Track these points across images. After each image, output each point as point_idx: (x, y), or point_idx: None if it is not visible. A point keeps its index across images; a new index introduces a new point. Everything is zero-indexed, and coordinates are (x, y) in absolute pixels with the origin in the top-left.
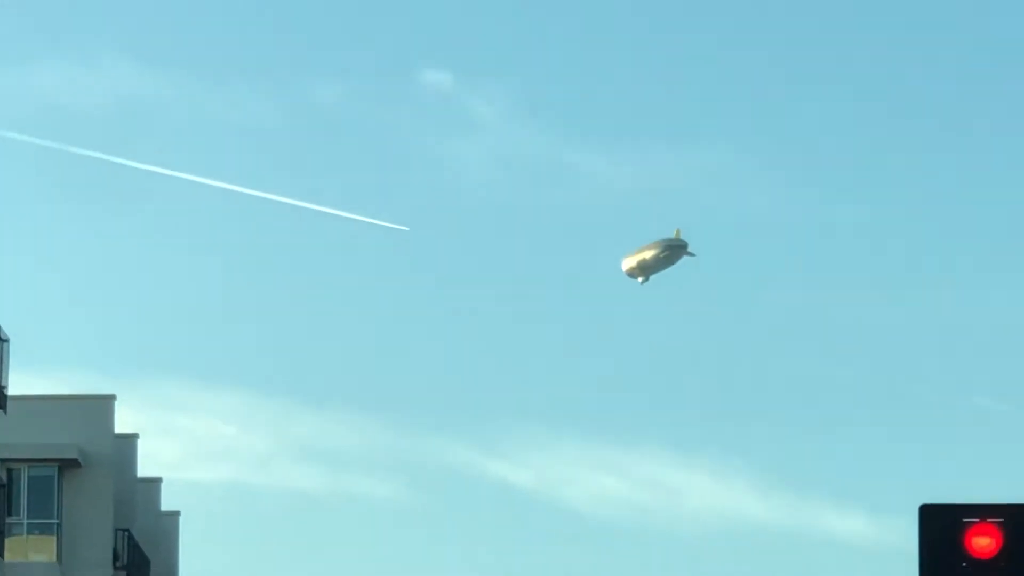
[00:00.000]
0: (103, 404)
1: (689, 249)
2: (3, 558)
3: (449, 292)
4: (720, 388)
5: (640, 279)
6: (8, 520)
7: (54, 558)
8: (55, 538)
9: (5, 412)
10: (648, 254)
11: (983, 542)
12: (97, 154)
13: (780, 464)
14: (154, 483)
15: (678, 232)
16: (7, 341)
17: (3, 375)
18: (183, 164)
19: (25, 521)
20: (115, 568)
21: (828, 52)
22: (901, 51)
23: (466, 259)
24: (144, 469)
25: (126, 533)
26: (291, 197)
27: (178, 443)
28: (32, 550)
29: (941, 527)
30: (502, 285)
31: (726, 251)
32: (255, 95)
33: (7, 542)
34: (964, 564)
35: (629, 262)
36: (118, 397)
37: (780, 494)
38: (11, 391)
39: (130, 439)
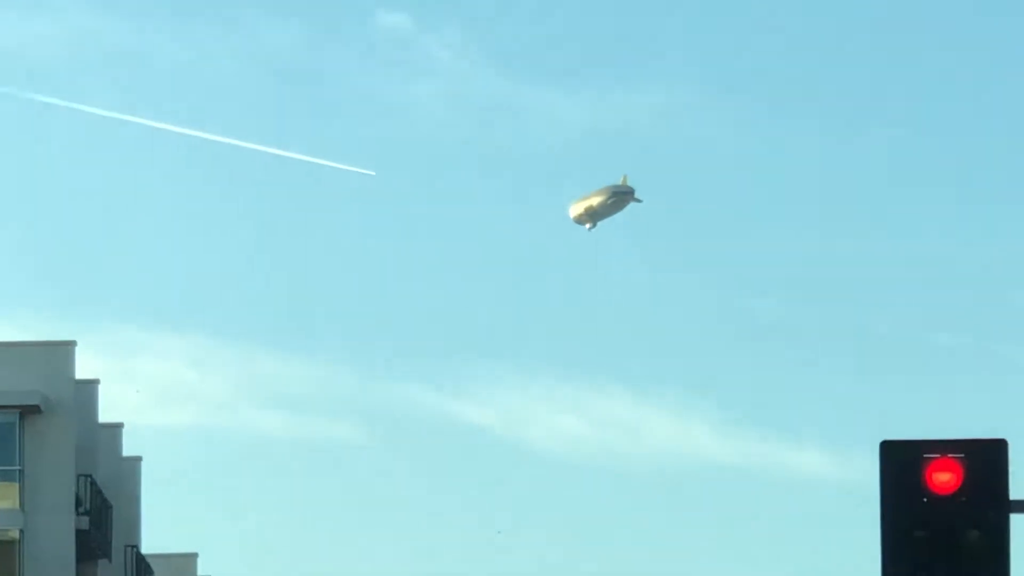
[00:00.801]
0: (64, 350)
1: (636, 195)
2: None
3: (410, 235)
4: (679, 328)
5: (588, 225)
6: None
7: (16, 504)
8: (17, 484)
9: None
10: (595, 201)
11: (944, 477)
12: (52, 99)
13: (740, 402)
14: (115, 428)
15: (624, 179)
16: None
17: None
18: (139, 109)
19: None
20: (77, 513)
21: None
22: None
23: (425, 202)
24: (105, 415)
25: (88, 479)
26: (250, 141)
27: (139, 388)
28: None
29: (902, 463)
30: (462, 228)
31: (683, 190)
32: (210, 39)
33: None
34: (925, 500)
35: (576, 209)
36: (79, 342)
37: (740, 432)
38: None
39: (91, 385)
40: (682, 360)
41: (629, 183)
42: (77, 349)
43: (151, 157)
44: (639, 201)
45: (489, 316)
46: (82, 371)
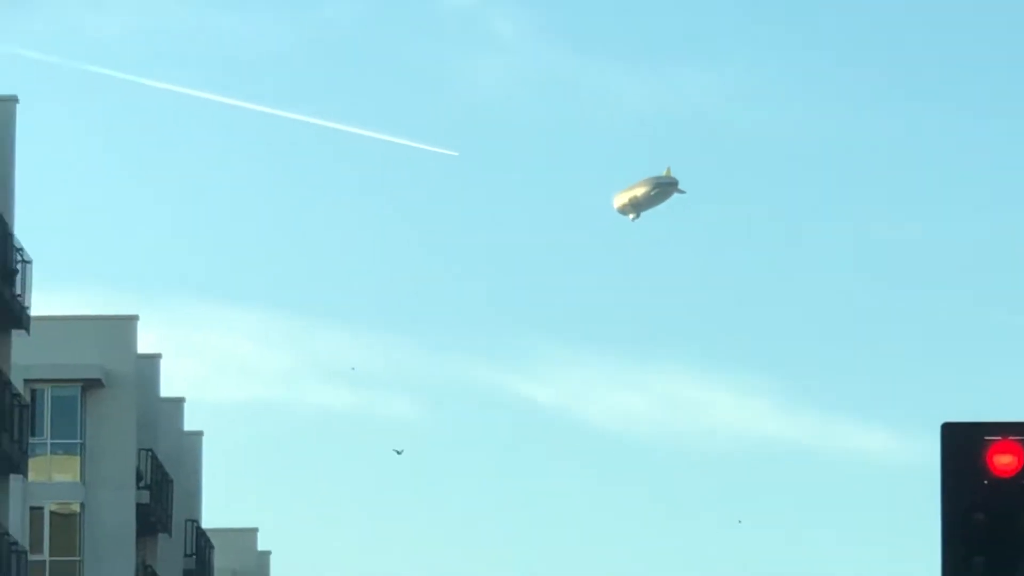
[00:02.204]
0: (126, 324)
1: (680, 187)
2: (27, 478)
3: (472, 213)
4: (744, 307)
5: (632, 216)
6: (32, 440)
7: (78, 478)
8: (79, 458)
9: (28, 333)
10: (639, 192)
11: (1005, 460)
12: (122, 75)
13: (803, 381)
14: (177, 403)
15: (668, 170)
16: (30, 263)
17: (26, 296)
18: (203, 83)
19: (49, 441)
20: (138, 487)
21: None
22: None
23: (487, 180)
24: (167, 389)
25: (149, 453)
26: (313, 116)
27: (201, 362)
28: (56, 470)
29: (963, 445)
30: (525, 206)
31: (744, 167)
32: (273, 17)
33: (31, 462)
34: (986, 482)
35: (620, 199)
36: (140, 317)
37: (803, 411)
38: (34, 312)
39: (153, 359)
40: (744, 339)
41: (673, 174)
42: (139, 323)
43: (216, 131)
44: (682, 192)
45: (551, 293)
46: (144, 345)
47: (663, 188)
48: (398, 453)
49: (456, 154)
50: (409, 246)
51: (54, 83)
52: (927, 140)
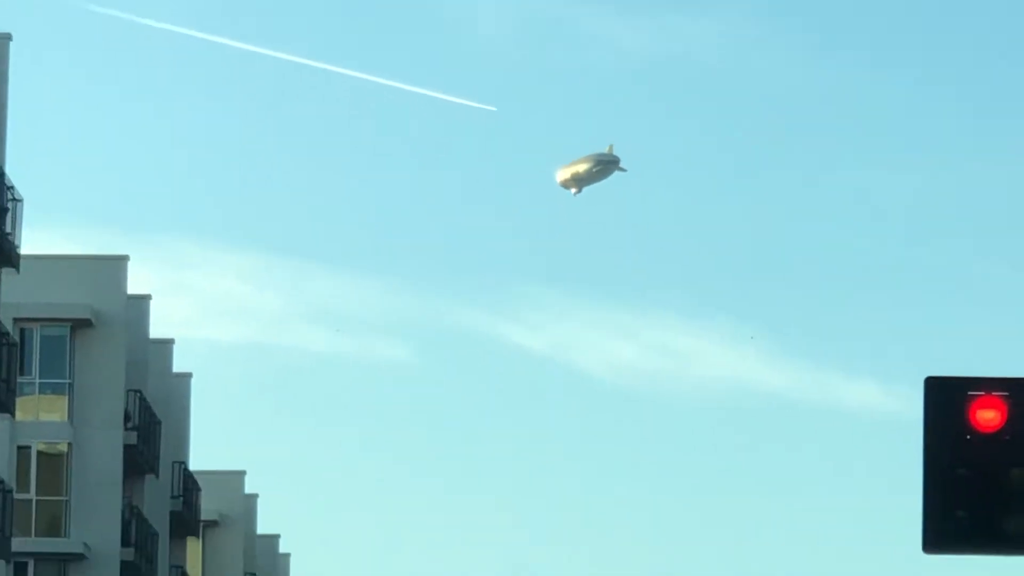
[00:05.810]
0: (116, 264)
1: (621, 164)
2: (15, 417)
3: (467, 161)
4: (733, 258)
5: (573, 191)
6: (20, 379)
7: (65, 417)
8: (67, 398)
9: (18, 271)
10: (581, 168)
11: (988, 415)
12: (118, 13)
13: (791, 332)
14: (166, 344)
15: (611, 147)
16: (20, 201)
17: (16, 234)
18: (201, 24)
19: (37, 381)
20: (126, 428)
21: None
22: None
23: (479, 125)
24: (157, 330)
25: (137, 394)
26: (305, 57)
27: (191, 303)
28: (43, 410)
29: (946, 400)
30: (518, 152)
31: (738, 116)
32: None
33: (19, 401)
34: (968, 437)
35: (563, 174)
36: (131, 257)
37: (790, 362)
38: (24, 250)
39: (143, 300)
40: (736, 288)
41: (615, 151)
42: (130, 263)
43: (211, 72)
44: (624, 170)
45: (544, 241)
46: (134, 286)
47: (605, 165)
48: None
49: (494, 109)
50: (406, 191)
51: (48, 20)
52: (917, 90)
